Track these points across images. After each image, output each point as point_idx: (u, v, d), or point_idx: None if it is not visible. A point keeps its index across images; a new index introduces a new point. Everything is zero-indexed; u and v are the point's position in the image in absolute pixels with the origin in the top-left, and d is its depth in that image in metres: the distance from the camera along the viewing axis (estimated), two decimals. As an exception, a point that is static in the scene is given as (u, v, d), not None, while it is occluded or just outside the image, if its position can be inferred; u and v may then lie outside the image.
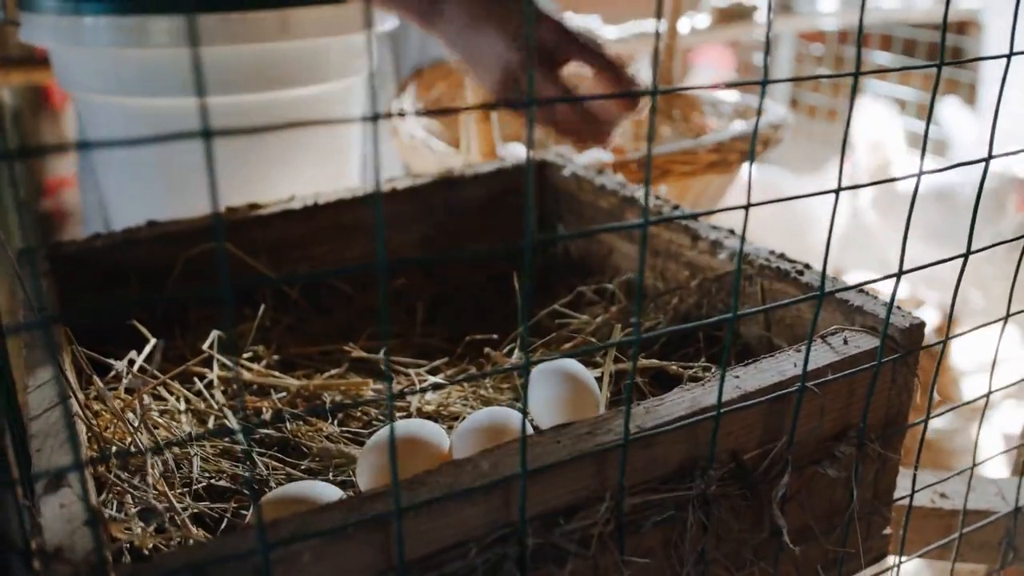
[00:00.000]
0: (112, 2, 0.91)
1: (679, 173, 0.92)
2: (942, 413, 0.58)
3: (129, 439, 0.56)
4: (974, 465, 0.65)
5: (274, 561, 0.40)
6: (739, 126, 1.06)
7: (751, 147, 0.39)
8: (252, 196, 0.84)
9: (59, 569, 0.40)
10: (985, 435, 1.96)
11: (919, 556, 0.67)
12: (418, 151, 1.11)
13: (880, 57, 2.82)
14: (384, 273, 0.35)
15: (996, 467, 1.80)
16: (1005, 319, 0.60)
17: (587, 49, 0.80)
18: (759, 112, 0.40)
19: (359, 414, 0.65)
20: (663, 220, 0.39)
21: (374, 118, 0.32)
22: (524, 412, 0.40)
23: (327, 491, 0.52)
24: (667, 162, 0.92)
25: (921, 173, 0.49)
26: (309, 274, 0.80)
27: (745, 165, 1.04)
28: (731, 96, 1.26)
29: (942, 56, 0.48)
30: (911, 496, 0.61)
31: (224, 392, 0.66)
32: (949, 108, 2.45)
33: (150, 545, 0.49)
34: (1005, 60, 0.52)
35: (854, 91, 0.46)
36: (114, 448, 0.56)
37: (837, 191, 0.46)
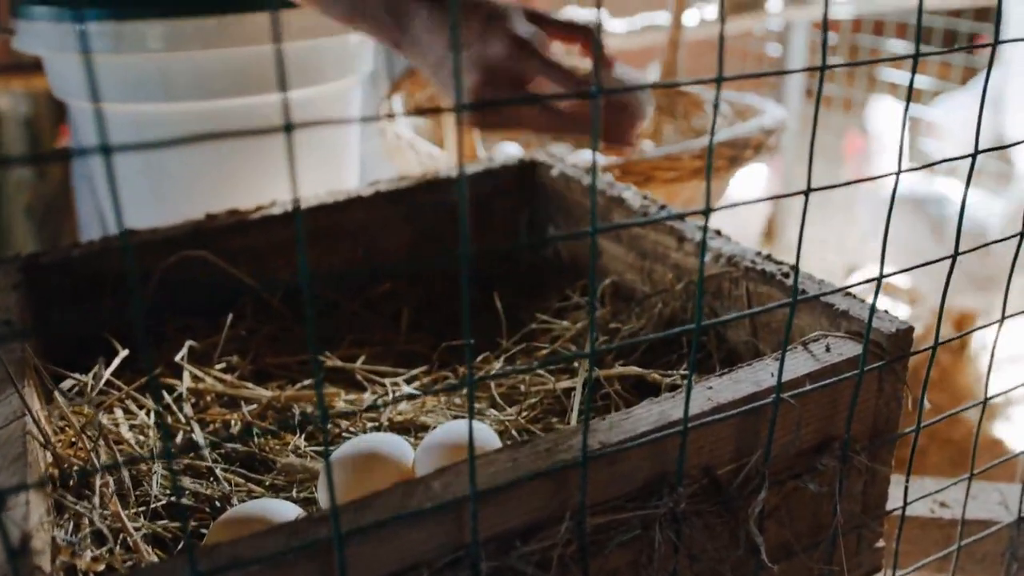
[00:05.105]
0: (105, 9, 0.89)
1: (663, 180, 0.88)
2: (933, 423, 0.56)
3: (86, 457, 0.55)
4: (972, 474, 0.62)
5: (208, 591, 0.38)
6: (731, 130, 1.02)
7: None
8: (249, 201, 0.82)
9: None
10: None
11: (915, 569, 0.65)
12: (402, 151, 1.09)
13: (895, 45, 2.77)
14: (307, 288, 0.33)
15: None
16: (1000, 322, 0.58)
17: (565, 26, 0.72)
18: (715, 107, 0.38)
19: (328, 427, 0.63)
20: (609, 229, 0.36)
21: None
22: (470, 421, 0.38)
23: (285, 510, 0.50)
24: (651, 168, 0.89)
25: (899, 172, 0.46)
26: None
27: (738, 169, 1.00)
28: (732, 96, 1.22)
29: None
30: (903, 508, 0.58)
31: (194, 405, 0.65)
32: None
33: (100, 568, 0.48)
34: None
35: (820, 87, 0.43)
36: (71, 468, 0.54)
37: (807, 192, 0.44)
